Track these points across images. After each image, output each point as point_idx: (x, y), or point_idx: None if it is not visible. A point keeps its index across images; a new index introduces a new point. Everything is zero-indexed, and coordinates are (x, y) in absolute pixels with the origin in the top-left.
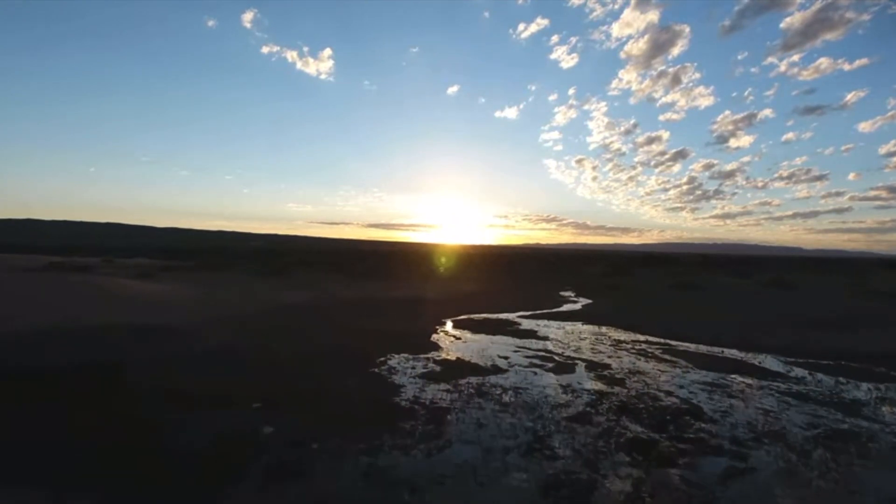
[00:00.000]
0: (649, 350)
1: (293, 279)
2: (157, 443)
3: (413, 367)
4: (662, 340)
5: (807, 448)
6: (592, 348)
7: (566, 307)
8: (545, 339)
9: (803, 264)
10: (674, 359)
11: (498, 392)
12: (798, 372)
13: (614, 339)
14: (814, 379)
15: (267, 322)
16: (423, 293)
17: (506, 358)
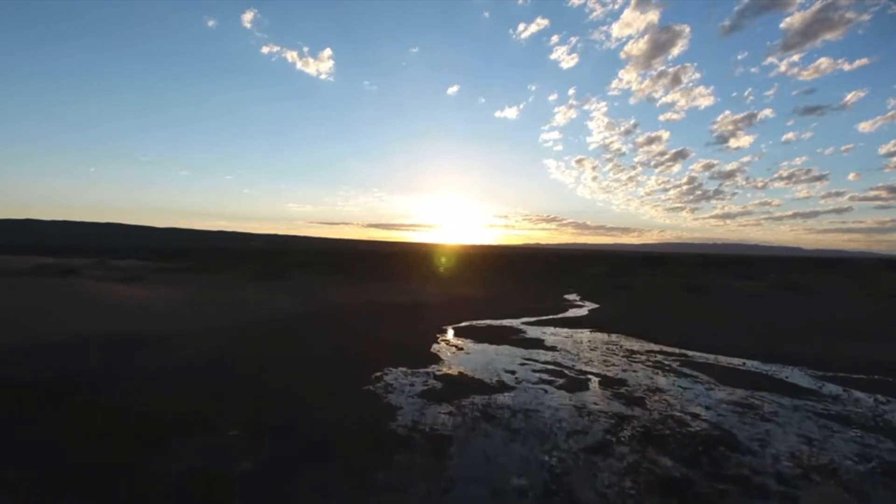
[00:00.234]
0: (666, 362)
1: (290, 282)
2: (105, 484)
3: (412, 384)
4: (678, 350)
5: (865, 488)
6: (604, 360)
7: (572, 312)
8: (553, 349)
9: (806, 264)
10: (693, 372)
11: (506, 415)
12: (831, 388)
13: (626, 350)
14: (850, 397)
15: (257, 331)
16: (424, 297)
17: (512, 372)
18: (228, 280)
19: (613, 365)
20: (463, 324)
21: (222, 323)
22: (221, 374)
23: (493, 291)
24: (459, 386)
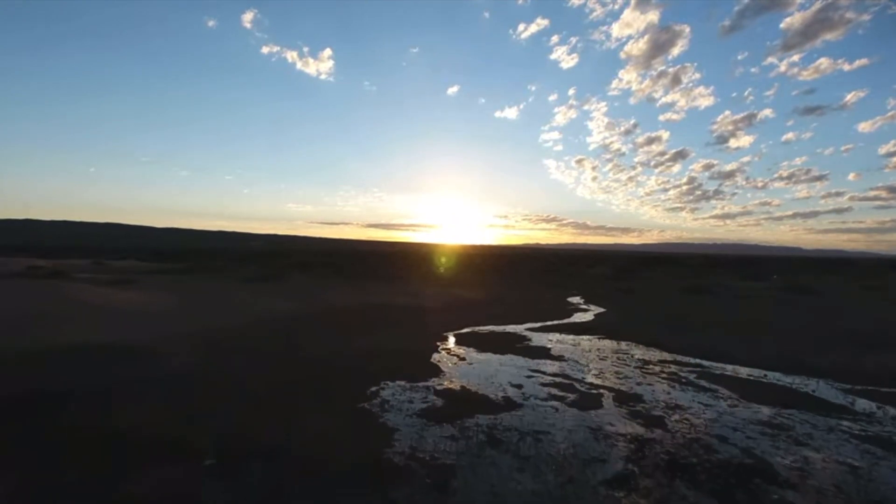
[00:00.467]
0: (681, 374)
1: (287, 285)
2: None
3: (410, 401)
4: (693, 360)
5: None
6: (616, 372)
7: (577, 317)
8: (560, 359)
9: (809, 265)
10: (713, 386)
11: (514, 439)
12: (863, 405)
13: (638, 359)
14: (885, 415)
15: (248, 339)
16: (424, 300)
17: (519, 387)
18: (224, 283)
19: (626, 377)
20: (464, 330)
21: (212, 330)
22: (205, 387)
23: (494, 294)
24: (462, 403)
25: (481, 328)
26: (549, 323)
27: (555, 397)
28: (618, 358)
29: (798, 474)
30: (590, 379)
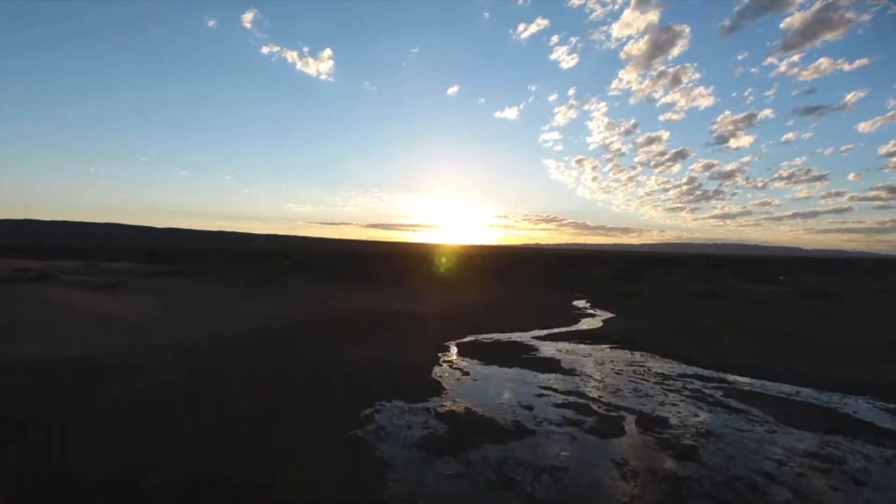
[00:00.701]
0: (706, 391)
1: (283, 289)
2: None
3: (409, 427)
4: (716, 375)
5: None
6: (635, 389)
7: (585, 323)
8: (572, 372)
9: (812, 265)
10: (744, 406)
11: (528, 477)
12: None
13: (657, 373)
14: None
15: (236, 350)
16: (424, 305)
17: (529, 408)
18: (218, 286)
19: (646, 395)
20: (467, 338)
21: (199, 339)
22: (176, 412)
23: (496, 297)
24: (467, 429)
25: (484, 336)
26: (555, 330)
27: (570, 421)
28: (634, 372)
29: None
30: (607, 398)
